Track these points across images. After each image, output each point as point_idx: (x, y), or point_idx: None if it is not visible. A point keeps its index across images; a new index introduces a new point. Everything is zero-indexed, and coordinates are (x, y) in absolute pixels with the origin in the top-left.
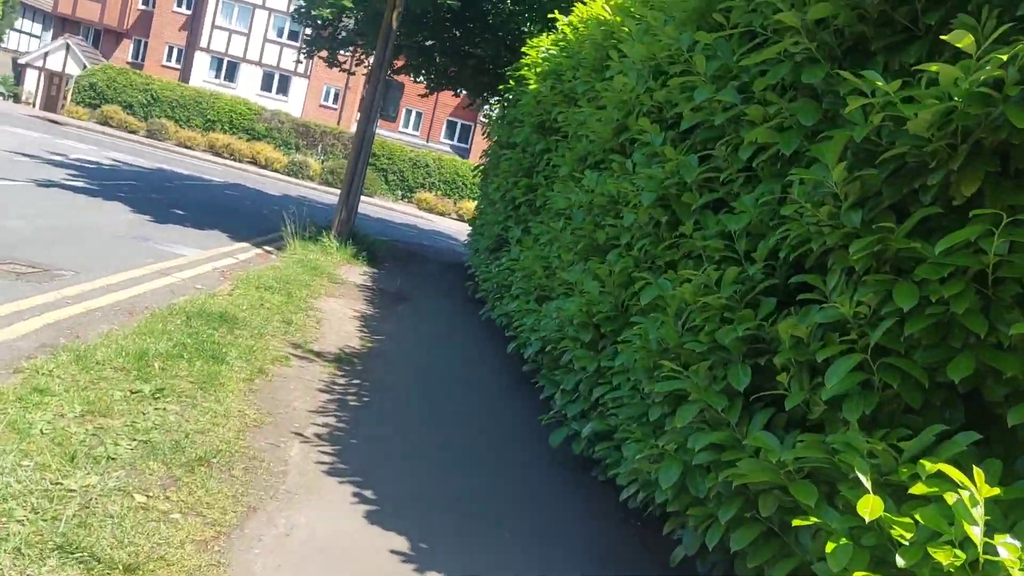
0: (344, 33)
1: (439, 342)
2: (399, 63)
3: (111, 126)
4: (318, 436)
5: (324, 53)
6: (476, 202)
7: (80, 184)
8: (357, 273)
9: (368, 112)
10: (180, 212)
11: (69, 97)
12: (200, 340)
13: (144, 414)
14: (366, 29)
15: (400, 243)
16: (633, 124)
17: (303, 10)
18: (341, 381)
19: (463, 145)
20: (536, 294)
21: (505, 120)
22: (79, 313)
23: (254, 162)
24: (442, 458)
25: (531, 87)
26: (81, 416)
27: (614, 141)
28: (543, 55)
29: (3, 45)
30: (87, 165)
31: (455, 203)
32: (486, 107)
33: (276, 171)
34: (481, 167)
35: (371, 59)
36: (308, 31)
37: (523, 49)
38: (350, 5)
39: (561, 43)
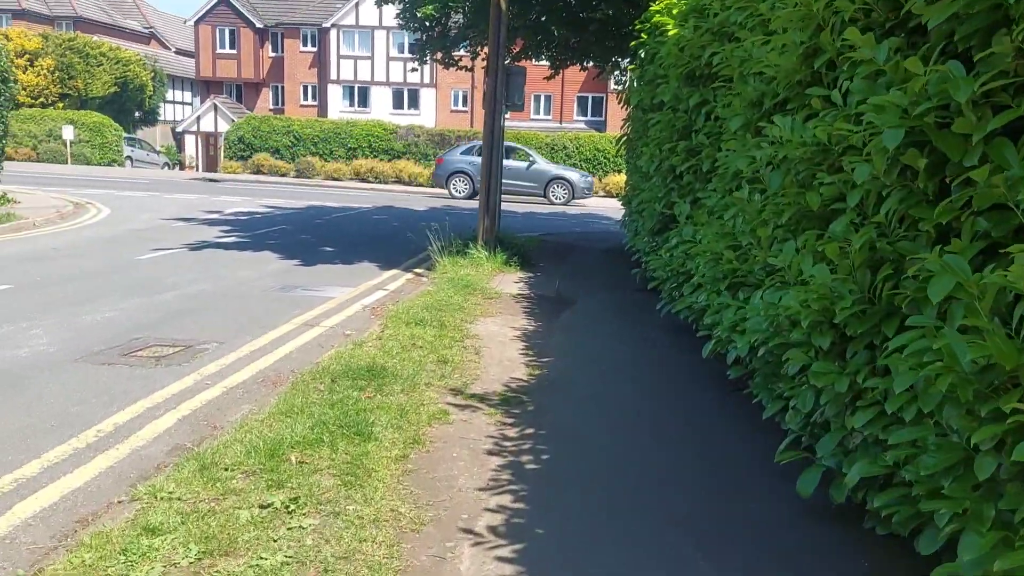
0: (455, 29)
1: (615, 353)
2: (516, 48)
3: (263, 173)
4: (492, 530)
5: (439, 55)
6: (624, 176)
7: (231, 239)
8: (511, 282)
9: (492, 106)
10: (329, 249)
11: (222, 153)
12: (344, 411)
13: (274, 541)
14: (476, 19)
15: (551, 236)
16: (828, 42)
17: (407, 15)
18: (512, 433)
19: (598, 119)
20: (728, 281)
21: (643, 80)
22: (218, 396)
23: (399, 180)
24: (656, 535)
25: (670, 33)
26: (197, 561)
27: (803, 71)
28: None
29: (161, 118)
30: (240, 217)
31: (600, 180)
32: (616, 72)
33: (421, 185)
34: (624, 137)
35: (487, 50)
36: (419, 35)
37: None
38: None
39: None
